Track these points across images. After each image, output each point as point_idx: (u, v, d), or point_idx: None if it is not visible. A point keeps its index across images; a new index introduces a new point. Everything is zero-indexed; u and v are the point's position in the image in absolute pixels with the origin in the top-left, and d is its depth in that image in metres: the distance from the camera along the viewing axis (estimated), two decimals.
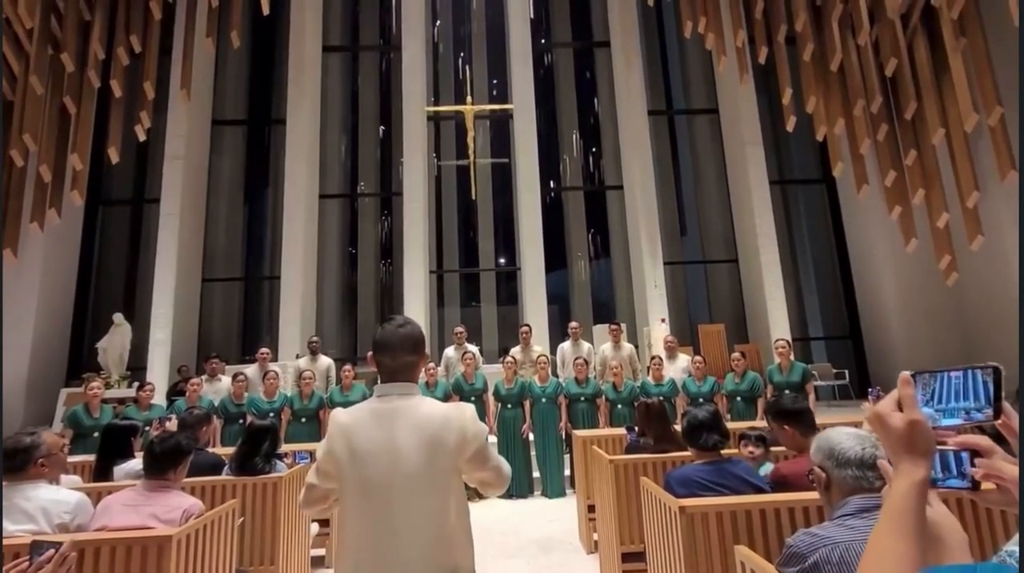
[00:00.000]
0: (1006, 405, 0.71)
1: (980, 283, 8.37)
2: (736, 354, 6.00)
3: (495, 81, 11.91)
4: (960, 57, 7.20)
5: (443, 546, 1.37)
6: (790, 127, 8.98)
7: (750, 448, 2.87)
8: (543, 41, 12.05)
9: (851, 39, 8.23)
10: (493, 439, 6.09)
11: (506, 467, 1.53)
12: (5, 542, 1.80)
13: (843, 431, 1.48)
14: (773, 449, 2.98)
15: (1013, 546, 0.69)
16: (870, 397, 5.32)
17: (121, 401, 7.00)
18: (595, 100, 11.94)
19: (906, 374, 0.75)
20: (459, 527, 1.41)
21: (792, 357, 5.78)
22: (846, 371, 9.46)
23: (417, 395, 1.49)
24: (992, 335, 8.33)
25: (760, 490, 2.27)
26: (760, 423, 4.27)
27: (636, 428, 3.83)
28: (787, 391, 5.33)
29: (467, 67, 11.50)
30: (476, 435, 1.44)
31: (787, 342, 5.80)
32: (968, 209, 7.32)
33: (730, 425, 3.53)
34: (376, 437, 1.39)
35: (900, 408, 0.74)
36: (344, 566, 1.37)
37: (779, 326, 9.09)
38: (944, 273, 7.76)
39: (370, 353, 1.54)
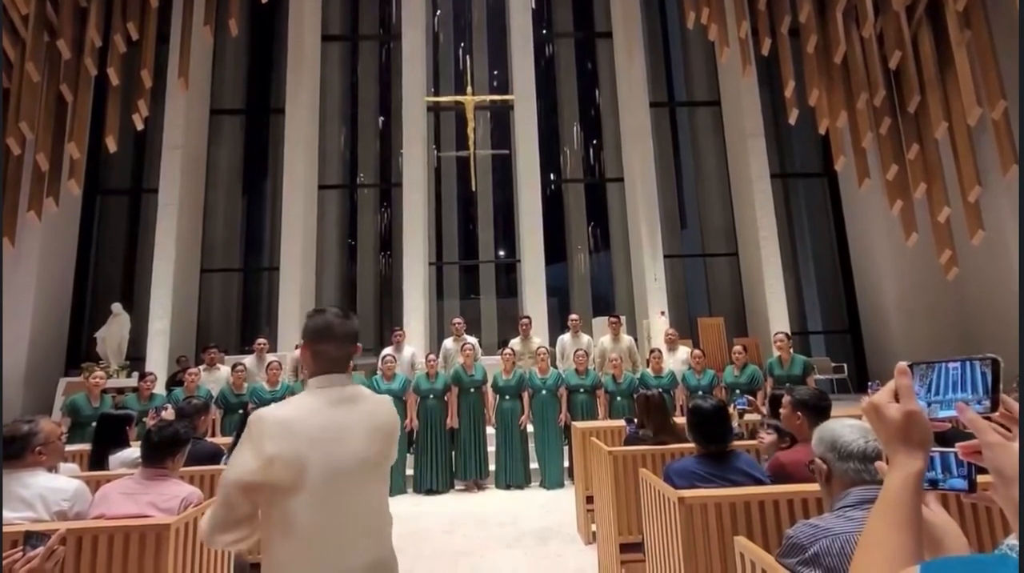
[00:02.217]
0: (1005, 397, 0.70)
1: (981, 278, 8.35)
2: (737, 347, 6.00)
3: (496, 71, 11.81)
4: (964, 50, 7.15)
5: (382, 532, 1.42)
6: (792, 120, 8.92)
7: (762, 433, 2.84)
8: (544, 31, 11.94)
9: (855, 31, 8.16)
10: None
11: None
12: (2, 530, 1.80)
13: (846, 423, 1.47)
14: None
15: (1014, 540, 0.68)
16: (870, 392, 5.32)
17: (120, 391, 7.00)
18: (596, 91, 11.86)
19: (903, 364, 0.73)
20: (388, 516, 1.45)
21: (792, 350, 5.79)
22: (845, 365, 9.48)
23: (355, 384, 1.47)
24: (992, 330, 8.32)
25: (760, 483, 2.26)
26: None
27: (635, 420, 3.84)
28: (787, 384, 5.33)
29: (467, 57, 11.40)
30: (397, 424, 1.51)
31: (786, 335, 5.81)
32: (969, 203, 7.30)
33: None
34: (331, 424, 1.35)
35: (897, 399, 0.72)
36: (294, 555, 1.28)
37: (778, 320, 9.08)
38: (944, 267, 7.75)
39: (302, 342, 1.45)
